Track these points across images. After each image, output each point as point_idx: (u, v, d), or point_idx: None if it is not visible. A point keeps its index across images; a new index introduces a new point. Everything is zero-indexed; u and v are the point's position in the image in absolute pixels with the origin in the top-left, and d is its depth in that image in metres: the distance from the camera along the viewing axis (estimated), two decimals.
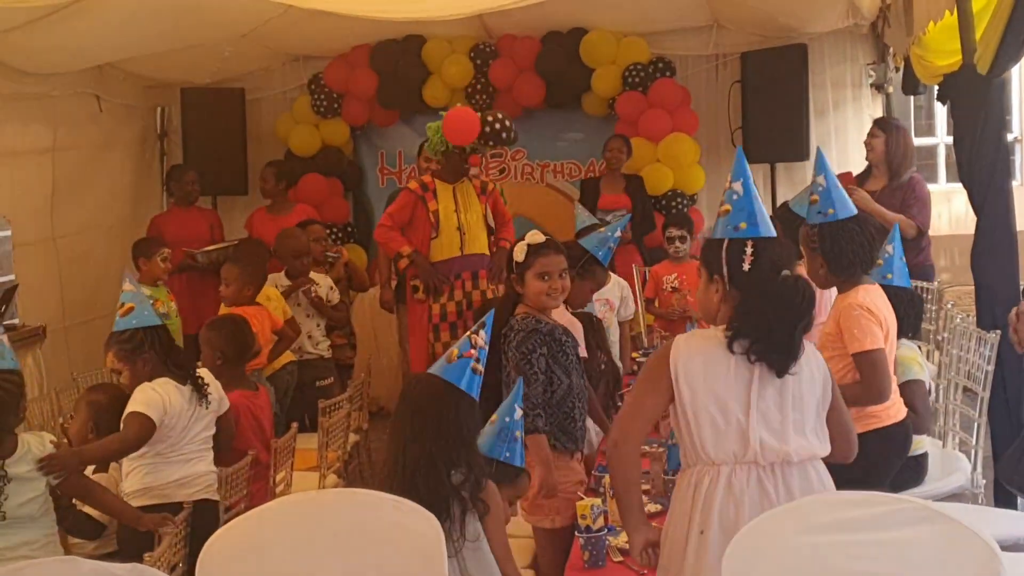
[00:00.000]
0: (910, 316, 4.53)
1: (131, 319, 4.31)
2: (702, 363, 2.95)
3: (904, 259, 4.76)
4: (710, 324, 3.09)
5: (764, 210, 3.07)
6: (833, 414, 3.04)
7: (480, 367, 3.20)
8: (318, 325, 6.70)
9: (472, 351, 3.20)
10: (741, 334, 2.92)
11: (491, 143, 6.30)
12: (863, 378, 3.92)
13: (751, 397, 2.92)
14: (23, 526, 3.77)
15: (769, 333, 2.90)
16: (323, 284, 6.77)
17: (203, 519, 4.01)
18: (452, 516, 3.08)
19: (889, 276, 4.55)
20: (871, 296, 4.03)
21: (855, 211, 4.14)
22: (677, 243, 7.00)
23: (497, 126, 6.26)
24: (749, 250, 2.96)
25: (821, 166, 4.15)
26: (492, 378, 3.82)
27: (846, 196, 4.13)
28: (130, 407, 4.21)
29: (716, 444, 2.93)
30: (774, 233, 3.05)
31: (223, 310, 5.98)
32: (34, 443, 3.83)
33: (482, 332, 3.24)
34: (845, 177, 6.46)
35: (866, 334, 3.92)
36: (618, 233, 5.27)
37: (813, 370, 3.01)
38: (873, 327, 3.93)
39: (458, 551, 3.09)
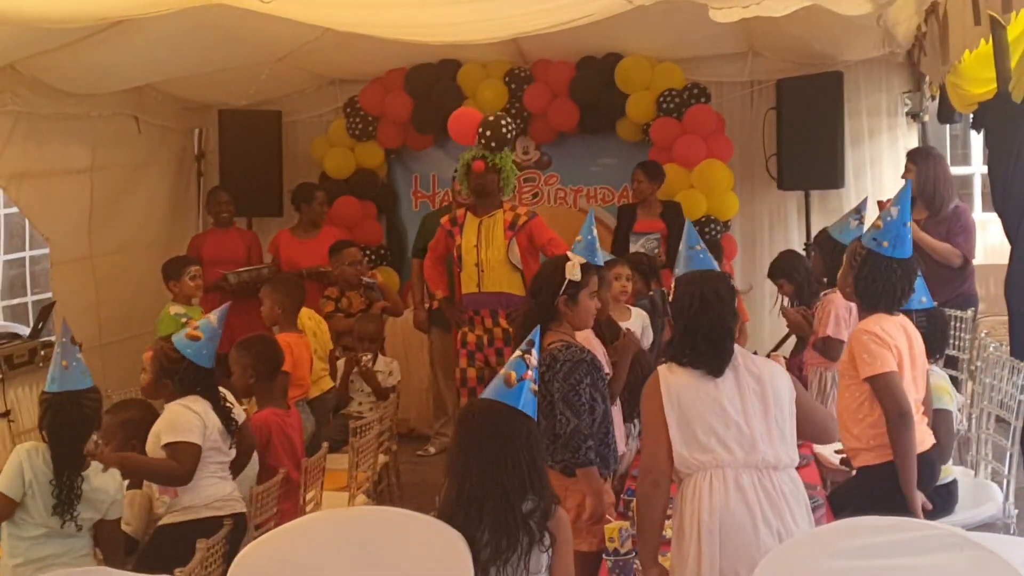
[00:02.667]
0: (934, 335, 4.51)
1: (188, 346, 4.34)
2: (687, 379, 3.32)
3: (922, 275, 4.71)
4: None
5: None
6: (803, 412, 3.42)
7: (536, 387, 3.18)
8: (360, 404, 6.58)
9: (528, 372, 3.15)
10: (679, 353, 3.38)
11: (492, 143, 6.29)
12: (881, 402, 3.92)
13: (748, 406, 3.28)
14: (73, 536, 3.89)
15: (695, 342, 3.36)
16: (384, 369, 6.72)
17: (235, 534, 4.05)
18: (520, 548, 2.99)
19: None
20: (884, 324, 4.02)
21: (909, 255, 4.10)
22: None
23: (490, 120, 6.29)
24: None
25: (902, 198, 4.15)
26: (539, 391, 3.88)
27: (909, 238, 4.09)
28: (172, 434, 4.19)
29: (718, 448, 3.21)
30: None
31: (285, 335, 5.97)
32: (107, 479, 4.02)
33: (533, 351, 3.21)
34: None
35: (875, 358, 3.93)
36: (593, 230, 5.19)
37: (780, 385, 3.38)
38: (882, 351, 3.92)
39: None
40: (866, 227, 4.37)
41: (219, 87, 8.24)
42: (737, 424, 3.23)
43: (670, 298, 3.55)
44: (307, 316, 6.47)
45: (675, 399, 3.29)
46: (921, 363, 4.11)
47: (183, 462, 4.18)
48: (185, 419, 4.24)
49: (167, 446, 4.19)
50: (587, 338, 4.47)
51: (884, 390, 3.90)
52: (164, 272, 6.71)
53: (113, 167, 7.66)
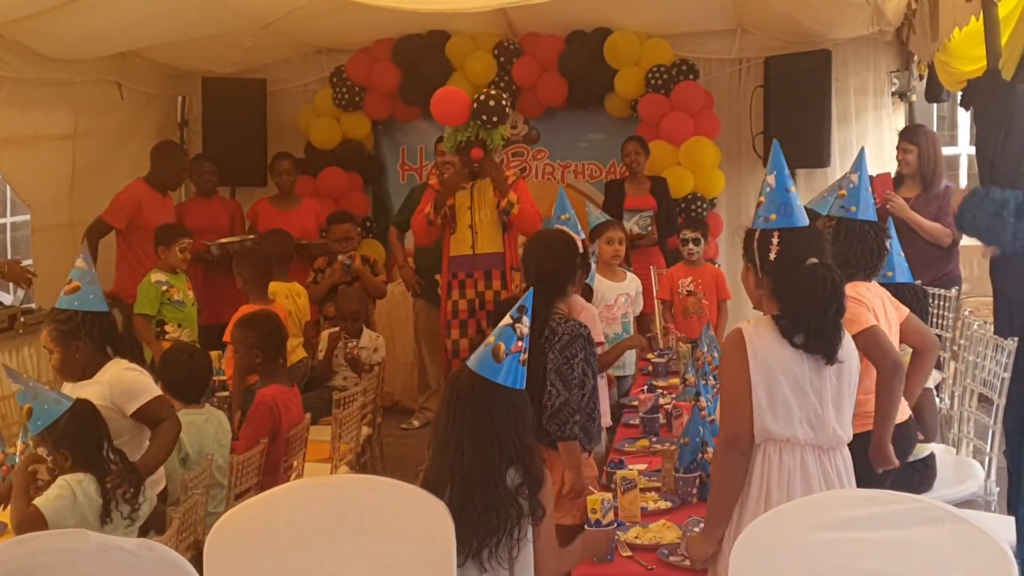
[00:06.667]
0: (915, 310, 4.51)
1: (74, 299, 4.08)
2: (775, 348, 3.11)
3: (903, 255, 4.73)
4: (754, 305, 3.29)
5: (797, 200, 3.20)
6: None
7: (526, 356, 3.05)
8: (344, 379, 6.50)
9: (519, 343, 3.02)
10: (793, 329, 3.09)
11: (485, 119, 6.25)
12: (872, 358, 3.88)
13: (826, 385, 3.12)
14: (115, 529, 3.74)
15: (809, 324, 3.08)
16: (368, 345, 6.65)
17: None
18: (509, 523, 2.95)
19: (889, 274, 4.51)
20: (859, 289, 4.00)
21: (875, 218, 4.17)
22: (691, 245, 6.99)
23: (490, 102, 6.24)
24: (775, 240, 3.13)
25: (859, 166, 4.18)
26: (535, 362, 3.86)
27: (872, 201, 4.15)
28: (135, 399, 4.05)
29: (794, 426, 3.09)
30: (805, 223, 3.19)
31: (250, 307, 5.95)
32: None
33: (525, 319, 3.06)
34: (883, 180, 6.40)
35: (855, 316, 3.86)
36: (564, 215, 5.25)
37: (851, 350, 3.21)
38: (860, 309, 3.89)
39: (514, 560, 2.97)
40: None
41: (204, 54, 8.17)
42: (813, 403, 3.10)
43: (771, 253, 3.15)
44: (284, 290, 6.47)
45: (761, 364, 3.09)
46: (895, 330, 4.11)
47: (168, 415, 4.10)
48: (135, 378, 4.11)
49: (137, 413, 4.06)
50: (583, 306, 4.54)
51: (872, 344, 3.86)
52: (156, 236, 6.65)
53: (96, 134, 7.60)
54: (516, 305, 3.08)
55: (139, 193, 7.19)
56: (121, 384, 4.09)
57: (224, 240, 7.37)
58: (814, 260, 3.12)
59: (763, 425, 3.09)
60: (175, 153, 7.71)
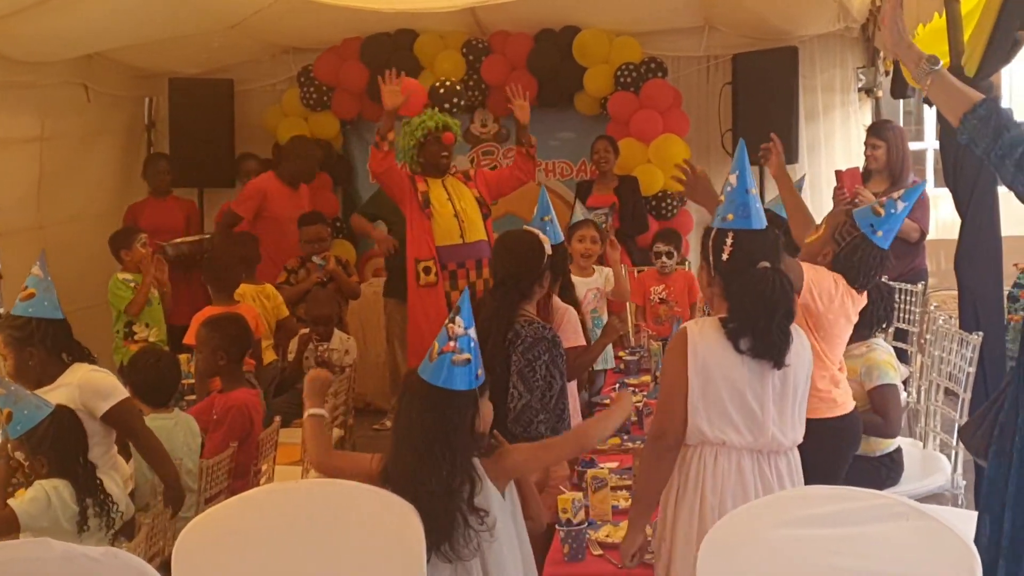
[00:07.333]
0: (879, 306, 4.54)
1: (28, 306, 4.06)
2: (717, 351, 3.08)
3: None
4: (706, 304, 3.29)
5: (757, 203, 3.17)
6: None
7: (463, 357, 2.99)
8: None
9: (451, 343, 2.99)
10: (739, 332, 3.06)
11: (447, 104, 6.21)
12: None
13: (767, 390, 3.08)
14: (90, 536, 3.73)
15: (756, 327, 3.04)
16: (339, 347, 6.61)
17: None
18: (455, 520, 2.91)
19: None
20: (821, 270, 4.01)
21: (888, 248, 4.07)
22: (664, 258, 7.06)
23: (452, 86, 6.20)
24: (730, 240, 3.12)
25: (908, 196, 4.10)
26: (500, 365, 3.88)
27: (895, 232, 4.09)
28: (106, 399, 4.05)
29: (728, 431, 3.06)
30: (762, 225, 3.16)
31: (214, 309, 5.94)
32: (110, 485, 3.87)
33: (458, 319, 3.02)
34: (852, 175, 6.43)
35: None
36: (551, 208, 5.25)
37: (802, 354, 3.17)
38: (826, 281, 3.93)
39: (475, 554, 2.95)
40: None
41: (170, 55, 8.12)
42: (752, 407, 3.07)
43: (724, 253, 3.13)
44: (252, 292, 6.46)
45: (700, 366, 3.06)
46: (854, 316, 4.11)
47: (139, 417, 4.11)
48: (103, 379, 4.12)
49: (108, 414, 4.05)
50: (564, 309, 4.57)
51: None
52: (113, 244, 6.61)
53: (63, 136, 7.53)
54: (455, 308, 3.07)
55: (267, 186, 7.45)
56: (91, 385, 4.08)
57: (179, 240, 7.33)
58: (766, 264, 3.10)
59: (697, 427, 3.08)
60: (306, 147, 7.85)
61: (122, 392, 4.15)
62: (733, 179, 3.19)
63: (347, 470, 3.20)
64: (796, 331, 3.17)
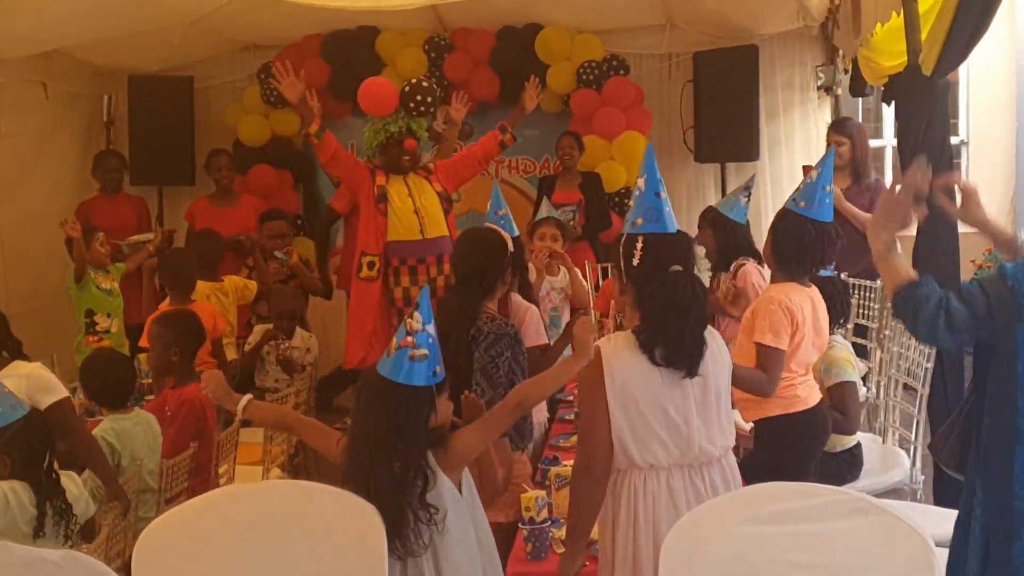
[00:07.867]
0: (835, 303, 4.59)
1: None
2: (633, 368, 3.01)
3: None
4: (618, 314, 3.19)
5: (667, 206, 3.12)
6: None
7: (420, 352, 2.96)
8: (276, 381, 6.43)
9: (408, 339, 2.96)
10: (652, 342, 2.99)
11: (413, 106, 6.14)
12: (761, 366, 3.95)
13: (689, 401, 3.02)
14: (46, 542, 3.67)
15: (668, 334, 2.98)
16: (301, 345, 6.59)
17: None
18: (404, 516, 2.89)
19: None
20: (792, 294, 4.03)
21: (826, 219, 4.06)
22: None
23: (420, 85, 6.16)
24: (640, 245, 3.06)
25: (824, 163, 4.08)
26: (463, 361, 3.87)
27: (828, 203, 4.06)
28: (50, 393, 4.06)
29: (656, 451, 2.99)
30: (672, 229, 3.11)
31: (165, 307, 5.91)
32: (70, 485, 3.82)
33: (417, 314, 3.00)
34: None
35: (776, 330, 3.94)
36: (500, 210, 5.23)
37: (719, 358, 3.12)
38: (783, 326, 3.94)
39: (426, 548, 2.93)
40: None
41: (130, 52, 8.04)
42: (675, 422, 3.01)
43: (635, 258, 3.08)
44: (207, 289, 6.44)
45: (619, 389, 2.99)
46: (824, 333, 4.21)
47: (78, 416, 4.14)
48: (50, 376, 4.13)
49: (52, 407, 4.03)
50: (527, 307, 4.57)
51: (766, 361, 3.93)
52: (70, 244, 6.55)
53: (20, 134, 7.45)
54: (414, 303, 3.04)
55: None
56: (39, 379, 4.12)
57: (135, 238, 7.26)
58: (678, 267, 3.04)
59: (625, 452, 3.01)
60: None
61: (64, 391, 4.16)
62: (642, 183, 3.13)
63: (313, 430, 3.24)
64: (711, 334, 3.12)
